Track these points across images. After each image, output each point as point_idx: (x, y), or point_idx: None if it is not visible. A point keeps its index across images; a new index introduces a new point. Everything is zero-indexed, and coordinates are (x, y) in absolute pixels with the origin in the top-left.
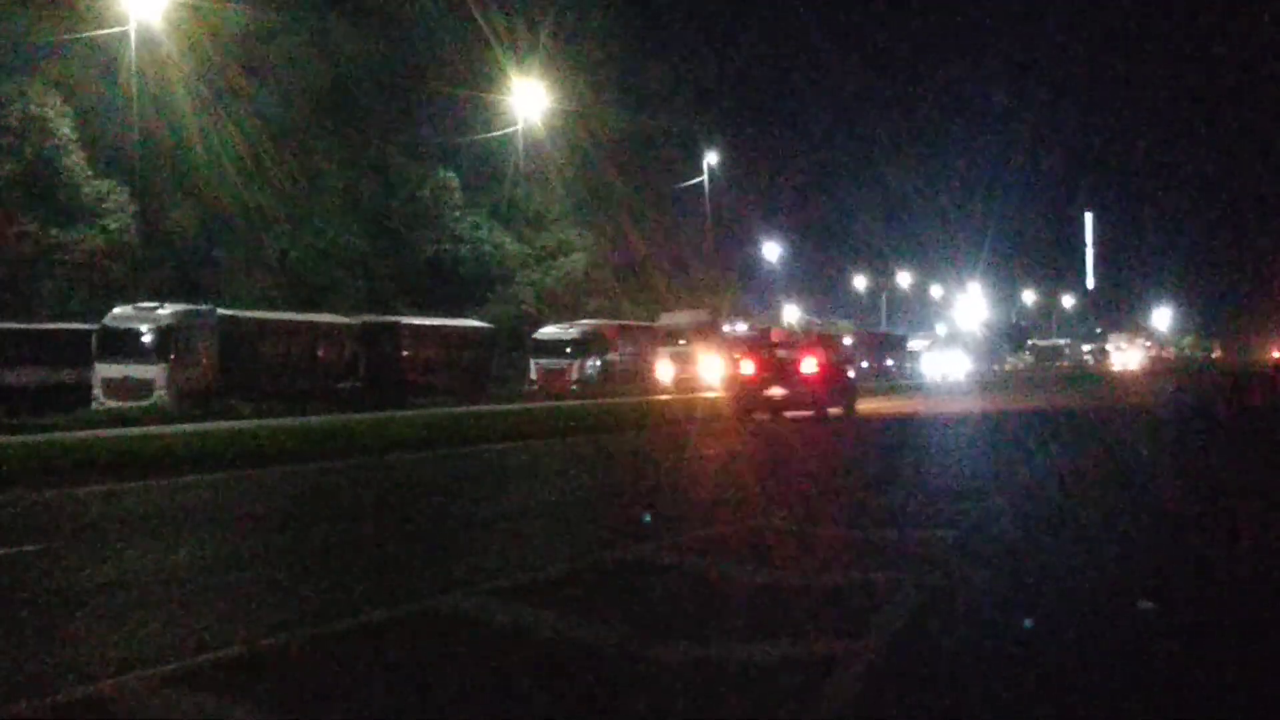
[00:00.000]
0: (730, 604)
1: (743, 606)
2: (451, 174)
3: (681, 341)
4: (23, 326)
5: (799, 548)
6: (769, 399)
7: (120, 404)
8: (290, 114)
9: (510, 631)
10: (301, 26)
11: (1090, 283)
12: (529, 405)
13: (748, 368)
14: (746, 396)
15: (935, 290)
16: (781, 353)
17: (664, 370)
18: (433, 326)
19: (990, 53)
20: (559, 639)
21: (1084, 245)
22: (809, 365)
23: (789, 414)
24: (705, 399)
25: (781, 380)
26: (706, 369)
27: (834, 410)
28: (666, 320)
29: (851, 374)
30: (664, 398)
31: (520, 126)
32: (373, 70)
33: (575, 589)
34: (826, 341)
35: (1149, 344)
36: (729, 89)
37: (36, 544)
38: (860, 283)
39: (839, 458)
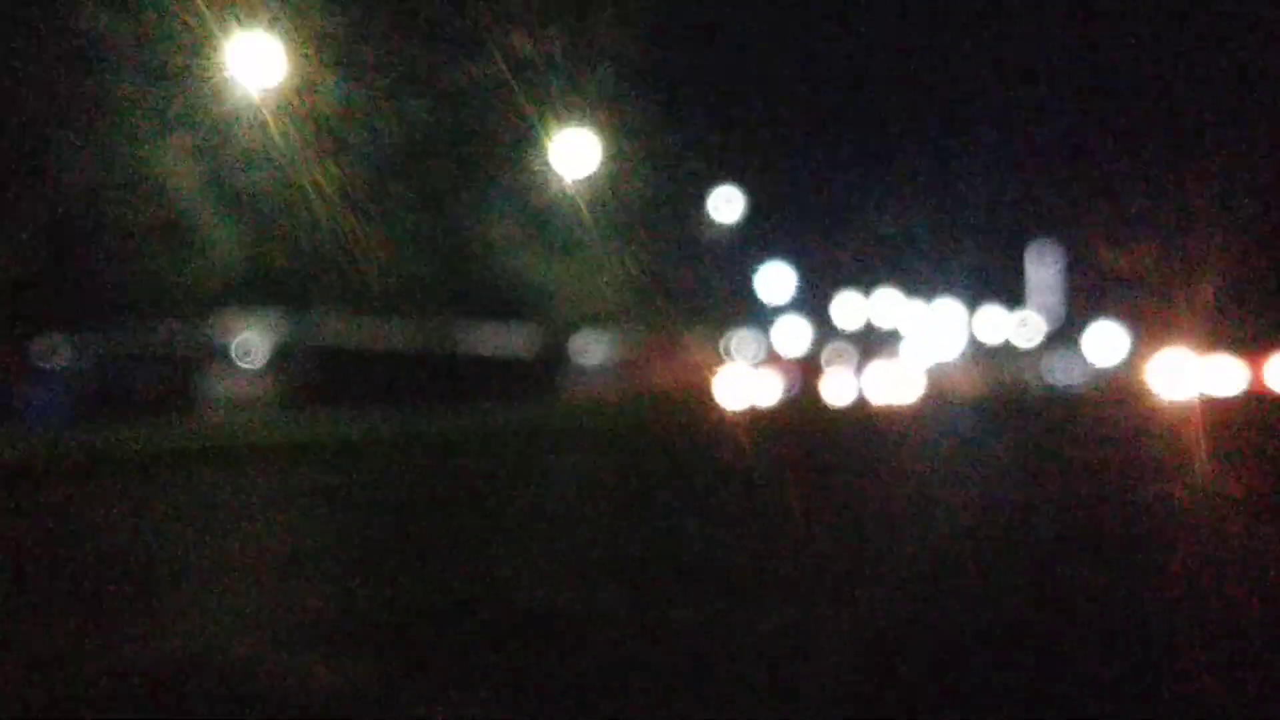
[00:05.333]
0: None
1: None
2: (507, 218)
3: None
4: (152, 342)
5: None
6: None
7: (227, 407)
8: (374, 175)
9: None
10: (386, 99)
11: (1043, 308)
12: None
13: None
14: None
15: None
16: None
17: None
18: (489, 343)
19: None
20: None
21: (1039, 278)
22: None
23: None
24: None
25: None
26: None
27: None
28: None
29: None
30: None
31: (563, 181)
32: (441, 137)
33: None
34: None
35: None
36: (735, 151)
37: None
38: (848, 308)
39: None
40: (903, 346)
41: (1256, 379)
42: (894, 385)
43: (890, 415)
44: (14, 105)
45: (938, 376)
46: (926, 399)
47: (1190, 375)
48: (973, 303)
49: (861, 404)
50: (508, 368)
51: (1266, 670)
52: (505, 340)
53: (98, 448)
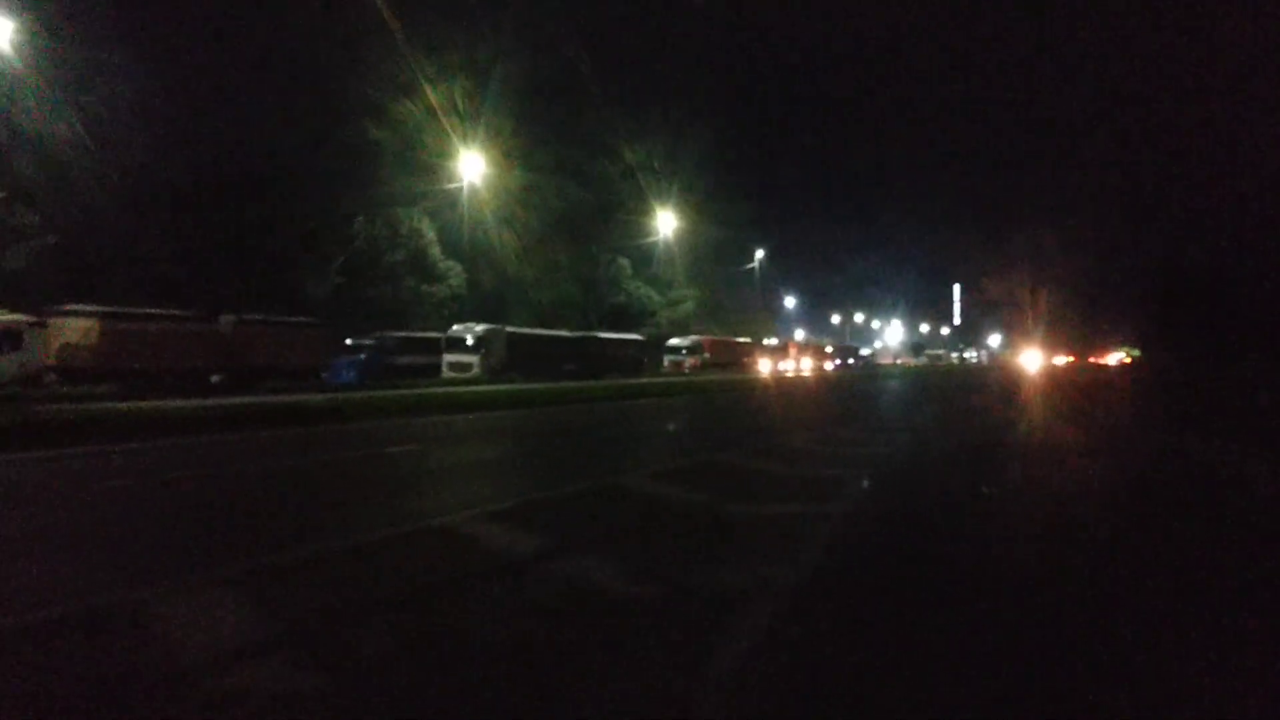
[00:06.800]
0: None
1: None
2: (625, 260)
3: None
4: (410, 334)
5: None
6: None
7: (455, 375)
8: (544, 228)
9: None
10: (550, 184)
11: (956, 320)
12: (668, 378)
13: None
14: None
15: (874, 323)
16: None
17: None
18: (614, 337)
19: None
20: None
21: (953, 300)
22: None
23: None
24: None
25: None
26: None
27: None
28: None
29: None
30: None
31: (660, 236)
32: (585, 205)
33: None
34: (818, 348)
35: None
36: (768, 219)
37: (417, 445)
38: (835, 318)
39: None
40: (863, 348)
41: (1078, 358)
42: (826, 364)
43: (824, 377)
44: (349, 190)
45: (881, 360)
46: (836, 371)
47: (1038, 358)
48: (910, 318)
49: (818, 372)
50: (623, 352)
51: (1082, 532)
52: (622, 336)
53: (377, 398)
